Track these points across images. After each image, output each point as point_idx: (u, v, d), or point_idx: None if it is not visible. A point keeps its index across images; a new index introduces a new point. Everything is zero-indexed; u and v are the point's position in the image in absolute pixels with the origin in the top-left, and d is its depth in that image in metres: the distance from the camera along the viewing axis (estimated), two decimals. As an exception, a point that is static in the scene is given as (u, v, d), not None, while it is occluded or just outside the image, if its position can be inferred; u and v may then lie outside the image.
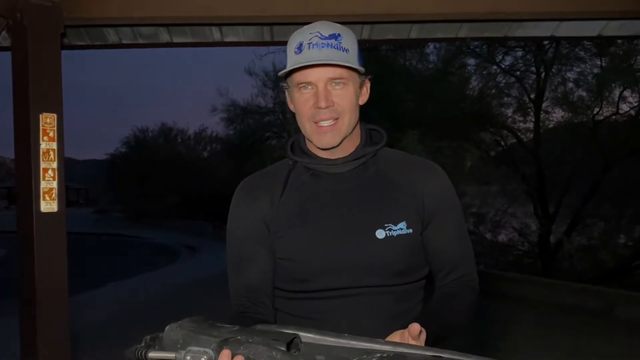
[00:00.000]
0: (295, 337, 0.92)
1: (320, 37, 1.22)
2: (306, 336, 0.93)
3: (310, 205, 1.30)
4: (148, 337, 0.95)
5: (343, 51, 1.23)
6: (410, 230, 1.27)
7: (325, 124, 1.26)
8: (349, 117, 1.27)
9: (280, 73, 1.26)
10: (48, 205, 2.70)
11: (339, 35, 1.24)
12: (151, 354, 0.92)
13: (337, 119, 1.26)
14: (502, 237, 11.47)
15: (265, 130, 16.92)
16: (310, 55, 1.21)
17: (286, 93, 1.35)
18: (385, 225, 1.26)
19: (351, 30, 1.30)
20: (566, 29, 3.63)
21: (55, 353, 2.74)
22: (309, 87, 1.25)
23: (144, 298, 8.90)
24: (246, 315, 1.27)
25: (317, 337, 0.93)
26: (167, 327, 0.95)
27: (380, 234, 1.26)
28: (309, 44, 1.22)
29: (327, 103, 1.24)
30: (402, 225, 1.27)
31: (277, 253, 1.31)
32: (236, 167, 18.89)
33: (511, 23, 3.54)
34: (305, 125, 1.29)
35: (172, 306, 8.16)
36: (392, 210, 1.28)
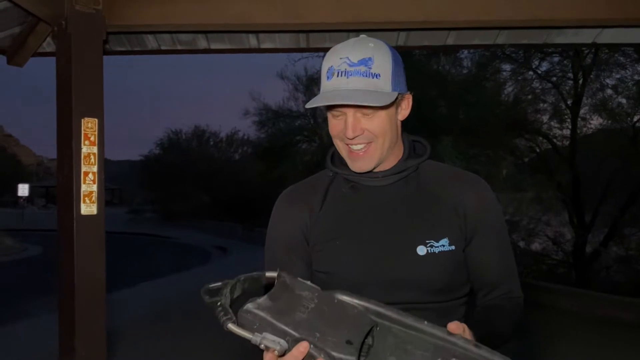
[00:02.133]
0: (371, 330, 0.92)
1: (349, 64, 1.18)
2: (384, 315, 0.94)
3: (349, 218, 1.28)
4: (227, 289, 0.99)
5: (373, 77, 1.17)
6: (453, 247, 1.24)
7: (356, 148, 1.23)
8: (383, 141, 1.24)
9: (307, 105, 1.23)
10: (88, 207, 2.76)
11: (369, 59, 1.18)
12: (231, 326, 0.94)
13: (370, 142, 1.23)
14: (535, 246, 11.26)
15: (296, 134, 16.95)
16: (337, 84, 1.18)
17: None
18: (427, 241, 1.23)
19: (386, 39, 1.27)
20: (608, 36, 3.54)
21: (92, 352, 2.79)
22: (339, 111, 1.23)
23: (176, 298, 9.02)
24: None
25: (397, 317, 0.94)
26: (244, 308, 0.96)
27: (421, 250, 1.22)
28: (338, 70, 1.18)
29: (355, 133, 1.21)
30: (444, 242, 1.23)
31: (314, 266, 1.30)
32: (267, 170, 18.99)
33: (551, 30, 3.48)
34: (339, 146, 1.28)
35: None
36: (434, 226, 1.25)
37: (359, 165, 1.25)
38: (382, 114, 1.22)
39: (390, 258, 1.24)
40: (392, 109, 1.24)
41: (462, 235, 1.26)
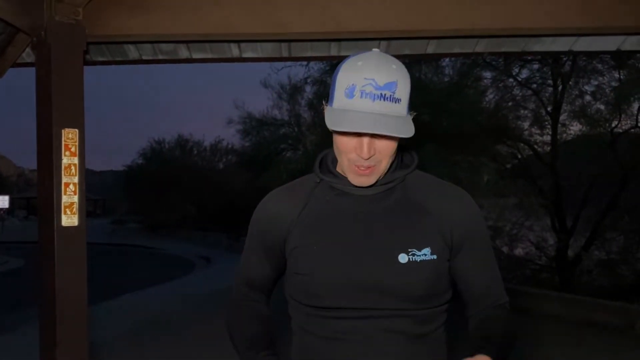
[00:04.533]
0: None
1: (374, 87, 1.16)
2: None
3: (331, 223, 1.30)
4: None
5: (396, 102, 1.18)
6: (435, 257, 1.25)
7: (363, 167, 1.24)
8: (387, 161, 1.26)
9: (329, 126, 1.19)
10: (69, 219, 2.73)
11: (393, 83, 1.18)
12: None
13: (374, 165, 1.24)
14: (518, 251, 11.35)
15: (281, 142, 16.97)
16: (361, 105, 1.16)
17: (325, 109, 1.30)
18: (409, 250, 1.24)
19: (368, 48, 1.28)
20: (584, 44, 3.61)
21: (74, 365, 2.76)
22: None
23: (160, 309, 8.93)
24: (243, 304, 1.41)
25: None
26: None
27: (402, 258, 1.24)
28: (362, 91, 1.17)
29: (371, 153, 1.22)
30: (427, 250, 1.25)
31: (294, 268, 1.32)
32: (251, 179, 18.97)
33: (529, 38, 3.54)
34: (343, 161, 1.27)
35: (187, 317, 8.19)
36: (417, 235, 1.26)
37: (362, 180, 1.27)
38: (395, 138, 1.23)
39: (371, 263, 1.25)
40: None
41: (447, 246, 1.28)
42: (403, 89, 1.20)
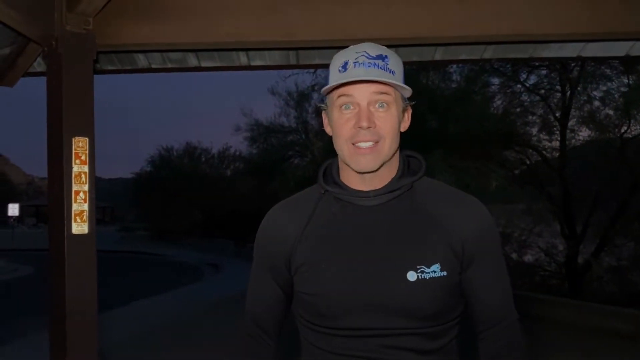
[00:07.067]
0: None
1: (367, 57, 1.17)
2: None
3: (337, 240, 1.24)
4: None
5: (389, 72, 1.17)
6: (444, 273, 1.19)
7: (364, 145, 1.19)
8: (390, 142, 1.20)
9: (324, 89, 1.21)
10: (79, 227, 2.74)
11: (385, 56, 1.19)
12: None
13: (377, 141, 1.19)
14: (528, 258, 11.29)
15: (288, 149, 17.03)
16: (355, 73, 1.16)
17: (323, 115, 1.30)
18: (418, 267, 1.18)
19: None
20: (593, 50, 3.59)
21: (83, 373, 2.76)
22: (351, 107, 1.20)
23: (169, 316, 8.94)
24: (247, 345, 1.35)
25: None
26: None
27: (411, 276, 1.18)
28: (355, 62, 1.17)
29: (369, 123, 1.17)
30: (436, 267, 1.19)
31: (299, 287, 1.27)
32: (259, 186, 19.03)
33: (536, 44, 3.53)
34: (344, 148, 1.22)
35: (196, 324, 8.19)
36: (426, 250, 1.20)
37: (364, 162, 1.20)
38: (394, 112, 1.21)
39: (379, 283, 1.19)
40: (399, 113, 1.23)
41: (457, 260, 1.22)
42: (396, 65, 1.20)
